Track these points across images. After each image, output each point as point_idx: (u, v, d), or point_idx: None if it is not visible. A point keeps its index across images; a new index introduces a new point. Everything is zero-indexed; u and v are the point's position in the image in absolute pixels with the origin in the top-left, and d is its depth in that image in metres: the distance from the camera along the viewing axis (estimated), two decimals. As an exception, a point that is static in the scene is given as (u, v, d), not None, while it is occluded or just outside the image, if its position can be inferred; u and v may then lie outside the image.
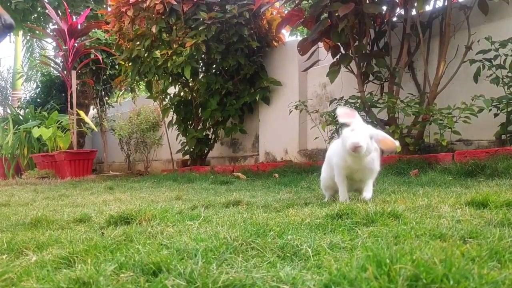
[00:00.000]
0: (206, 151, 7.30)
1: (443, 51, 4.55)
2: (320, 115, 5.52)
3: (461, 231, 1.52)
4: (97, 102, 9.81)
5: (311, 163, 5.42)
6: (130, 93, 9.59)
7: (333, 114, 4.99)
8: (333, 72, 5.08)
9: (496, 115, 4.19)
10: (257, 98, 6.65)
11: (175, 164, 8.01)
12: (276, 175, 5.07)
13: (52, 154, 8.37)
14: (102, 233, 1.89)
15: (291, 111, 5.84)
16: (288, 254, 1.40)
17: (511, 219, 1.68)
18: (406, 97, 4.80)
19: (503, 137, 4.22)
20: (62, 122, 8.87)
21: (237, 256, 1.37)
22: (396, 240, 1.47)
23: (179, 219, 2.14)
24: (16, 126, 9.49)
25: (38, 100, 11.05)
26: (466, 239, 1.44)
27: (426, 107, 4.47)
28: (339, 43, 5.13)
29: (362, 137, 2.31)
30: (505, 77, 4.16)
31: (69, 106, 8.49)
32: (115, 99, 10.33)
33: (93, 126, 9.19)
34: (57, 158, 8.20)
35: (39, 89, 11.49)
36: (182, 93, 7.28)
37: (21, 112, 10.74)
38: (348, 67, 5.06)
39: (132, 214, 2.16)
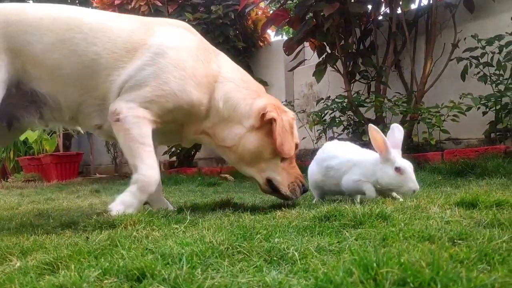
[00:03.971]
0: (193, 152, 7.25)
1: (430, 49, 4.57)
2: (307, 115, 5.51)
3: (450, 233, 1.49)
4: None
5: (299, 163, 5.38)
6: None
7: (320, 114, 4.98)
8: (319, 71, 5.08)
9: (484, 113, 4.20)
10: (244, 98, 6.58)
11: (161, 166, 7.95)
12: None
13: (38, 157, 8.27)
14: (87, 237, 1.85)
15: (279, 111, 5.80)
16: (275, 258, 1.37)
17: (500, 219, 1.65)
18: (394, 96, 4.81)
19: (492, 135, 4.23)
20: (48, 124, 8.77)
21: (223, 261, 1.34)
22: (384, 243, 1.45)
23: (165, 223, 2.10)
24: (1, 129, 9.35)
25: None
26: (455, 240, 1.41)
27: (413, 106, 4.48)
28: (325, 43, 5.12)
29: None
30: (492, 75, 4.17)
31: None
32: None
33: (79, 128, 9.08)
34: (43, 161, 8.10)
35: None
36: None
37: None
38: (335, 66, 5.05)
39: (117, 218, 2.13)
